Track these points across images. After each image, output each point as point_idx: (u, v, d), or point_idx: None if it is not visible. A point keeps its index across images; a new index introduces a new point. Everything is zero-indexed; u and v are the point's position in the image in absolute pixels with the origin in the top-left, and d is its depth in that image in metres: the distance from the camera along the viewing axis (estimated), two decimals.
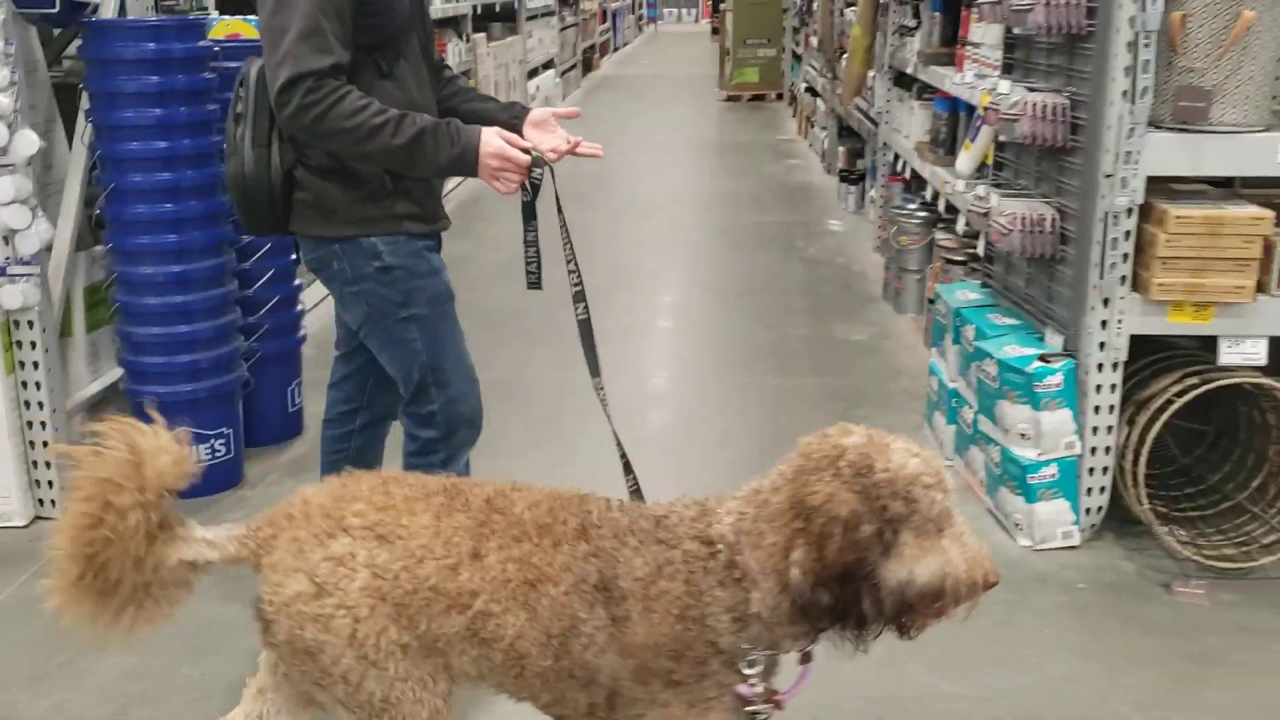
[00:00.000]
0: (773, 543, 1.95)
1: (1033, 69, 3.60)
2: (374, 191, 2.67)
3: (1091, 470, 3.32)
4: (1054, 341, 3.36)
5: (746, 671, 2.02)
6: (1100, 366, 3.21)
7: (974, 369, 3.55)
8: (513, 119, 2.79)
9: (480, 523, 2.17)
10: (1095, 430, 3.27)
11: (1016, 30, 3.62)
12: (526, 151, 2.57)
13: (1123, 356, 3.21)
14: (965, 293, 3.96)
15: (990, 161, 4.04)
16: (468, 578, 2.11)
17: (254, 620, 2.22)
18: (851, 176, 8.14)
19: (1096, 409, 3.24)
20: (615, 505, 2.20)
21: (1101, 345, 3.19)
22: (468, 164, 2.59)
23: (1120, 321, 3.17)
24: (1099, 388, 3.23)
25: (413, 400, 2.80)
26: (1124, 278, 3.15)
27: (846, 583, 1.91)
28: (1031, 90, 3.38)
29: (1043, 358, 3.28)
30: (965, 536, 1.93)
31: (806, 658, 2.10)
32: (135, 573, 2.15)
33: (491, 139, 2.58)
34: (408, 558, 2.14)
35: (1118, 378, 3.23)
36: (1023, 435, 3.32)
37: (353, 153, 2.59)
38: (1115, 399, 3.24)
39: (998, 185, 3.77)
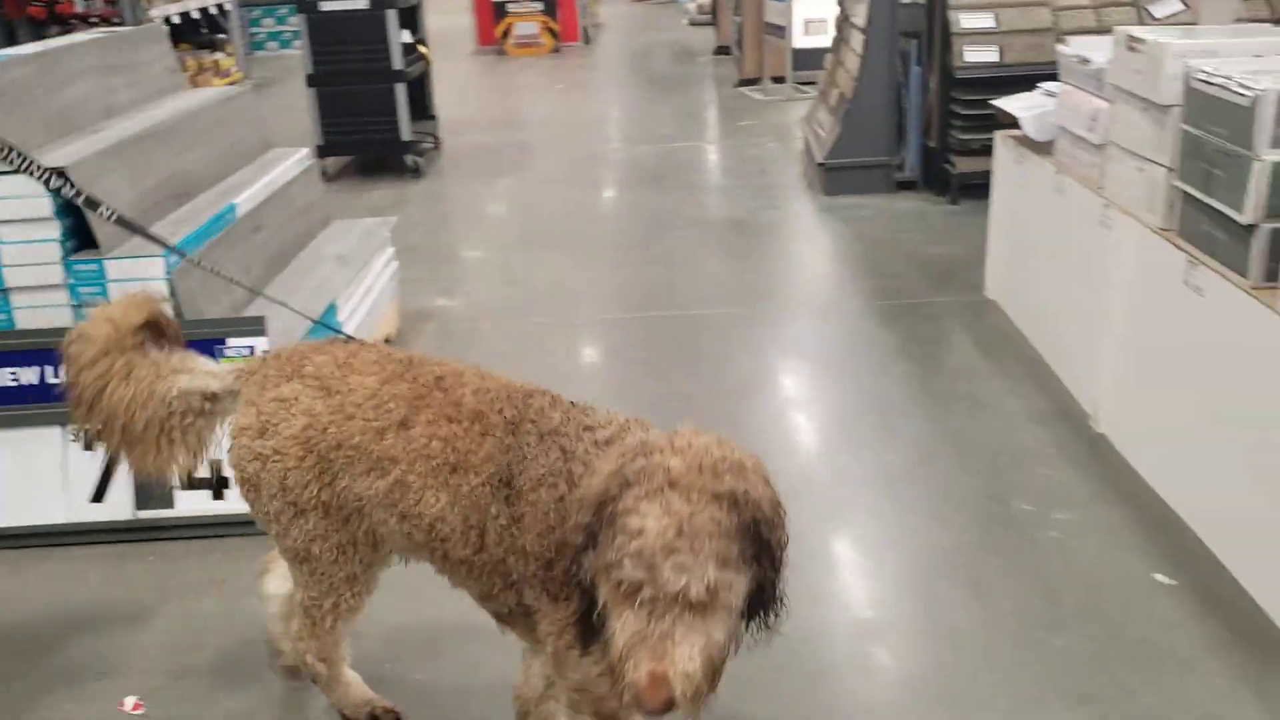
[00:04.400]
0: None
1: None
2: None
3: None
4: None
5: None
6: None
7: None
8: None
9: (419, 395, 2.08)
10: None
11: None
12: None
13: None
14: None
15: None
16: (390, 443, 2.05)
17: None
18: None
19: None
20: (562, 405, 2.04)
21: None
22: None
23: None
24: None
25: None
26: None
27: (577, 538, 1.76)
28: None
29: None
30: (655, 634, 1.61)
31: None
32: (143, 409, 2.29)
33: None
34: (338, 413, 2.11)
35: None
36: None
37: None
38: None
39: None
